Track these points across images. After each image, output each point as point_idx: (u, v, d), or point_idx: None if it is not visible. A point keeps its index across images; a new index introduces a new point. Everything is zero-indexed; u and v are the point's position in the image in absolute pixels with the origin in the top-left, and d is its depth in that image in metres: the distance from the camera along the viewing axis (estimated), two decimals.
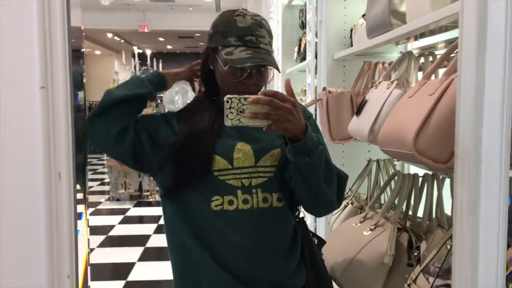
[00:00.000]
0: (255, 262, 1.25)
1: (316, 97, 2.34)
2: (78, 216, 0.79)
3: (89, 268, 0.84)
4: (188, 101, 1.40)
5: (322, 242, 1.46)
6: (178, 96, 1.40)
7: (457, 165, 0.96)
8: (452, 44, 1.21)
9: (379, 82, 1.65)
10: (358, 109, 1.69)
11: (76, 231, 0.75)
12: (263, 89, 1.30)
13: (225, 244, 1.25)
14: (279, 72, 1.29)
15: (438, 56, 1.34)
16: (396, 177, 1.64)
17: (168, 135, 1.30)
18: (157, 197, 6.71)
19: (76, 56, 0.87)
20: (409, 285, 1.21)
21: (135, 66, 8.92)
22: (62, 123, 0.68)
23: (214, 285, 1.25)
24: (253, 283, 1.25)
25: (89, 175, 8.81)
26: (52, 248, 0.68)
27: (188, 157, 1.25)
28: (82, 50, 1.15)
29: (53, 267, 0.70)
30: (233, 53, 1.21)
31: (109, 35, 12.88)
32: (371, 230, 1.49)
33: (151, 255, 4.53)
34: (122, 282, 3.84)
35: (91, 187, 7.94)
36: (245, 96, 1.06)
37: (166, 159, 1.26)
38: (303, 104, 1.65)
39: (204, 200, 1.25)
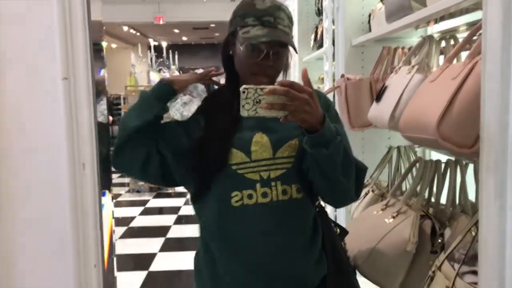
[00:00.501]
0: (276, 255, 1.25)
1: (334, 85, 2.32)
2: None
3: (114, 258, 0.84)
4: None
5: (344, 232, 1.44)
6: (186, 108, 1.37)
7: (483, 151, 0.93)
8: (475, 26, 1.18)
9: (399, 68, 1.63)
10: (378, 96, 1.67)
11: (102, 221, 0.76)
12: (282, 78, 1.28)
13: (246, 238, 1.25)
14: (296, 52, 1.27)
15: (460, 39, 1.31)
16: (417, 164, 1.62)
17: (190, 137, 1.30)
18: (176, 189, 6.76)
19: (97, 49, 0.88)
20: (433, 272, 1.20)
21: (151, 59, 8.96)
22: (85, 114, 0.69)
23: (234, 279, 1.26)
24: (273, 277, 1.26)
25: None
26: (78, 238, 0.69)
27: (206, 153, 1.25)
28: (103, 43, 1.15)
29: (79, 256, 0.71)
30: (249, 31, 1.20)
31: (125, 28, 12.94)
32: (393, 217, 1.48)
33: (171, 245, 4.57)
34: (144, 273, 3.88)
35: (111, 179, 8.05)
36: (262, 86, 1.05)
37: (190, 163, 1.27)
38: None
39: (225, 197, 1.25)
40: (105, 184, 0.82)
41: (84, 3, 0.71)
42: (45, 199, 0.72)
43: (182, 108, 1.34)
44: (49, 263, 0.73)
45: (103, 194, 0.88)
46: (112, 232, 0.86)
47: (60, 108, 0.70)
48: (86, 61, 0.68)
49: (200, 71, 1.39)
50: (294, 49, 1.24)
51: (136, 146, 1.26)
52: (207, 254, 1.31)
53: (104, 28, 1.03)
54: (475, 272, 1.07)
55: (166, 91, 1.31)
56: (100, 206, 0.75)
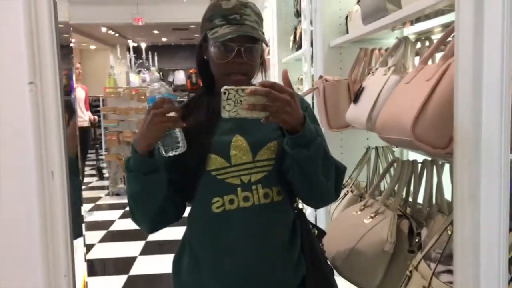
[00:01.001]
0: (256, 258, 1.25)
1: (313, 86, 2.32)
2: None
3: (85, 264, 0.83)
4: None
5: (322, 233, 1.45)
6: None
7: (457, 150, 0.95)
8: (448, 28, 1.20)
9: (376, 69, 1.64)
10: (356, 97, 1.68)
11: (71, 230, 0.74)
12: (262, 79, 1.28)
13: (229, 243, 1.24)
14: (267, 46, 1.27)
15: (435, 41, 1.32)
16: (395, 164, 1.63)
17: None
18: None
19: (66, 52, 0.85)
20: (410, 272, 1.21)
21: (130, 60, 8.89)
22: (53, 120, 0.67)
23: (217, 283, 1.26)
24: (255, 279, 1.25)
25: (88, 170, 8.78)
26: (47, 248, 0.68)
27: (185, 159, 1.24)
28: (71, 45, 1.11)
29: (49, 266, 0.69)
30: (217, 32, 1.20)
31: (103, 29, 12.79)
32: (372, 218, 1.49)
33: (152, 249, 4.52)
34: (124, 277, 3.84)
35: (90, 182, 7.93)
36: (243, 87, 1.05)
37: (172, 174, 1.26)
38: (299, 93, 1.63)
39: (206, 203, 1.25)
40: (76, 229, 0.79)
41: (51, 5, 0.69)
42: (13, 208, 0.70)
43: None
44: (19, 274, 0.71)
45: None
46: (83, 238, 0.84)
47: (27, 113, 0.67)
48: (53, 65, 0.67)
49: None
50: (265, 42, 1.23)
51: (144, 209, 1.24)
52: (191, 259, 1.31)
53: (71, 29, 1.00)
54: (451, 271, 1.08)
55: (144, 162, 1.15)
56: (70, 215, 0.74)
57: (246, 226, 1.24)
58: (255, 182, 1.24)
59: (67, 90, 0.94)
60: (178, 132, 1.14)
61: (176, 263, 1.37)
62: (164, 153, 1.13)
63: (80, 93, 6.29)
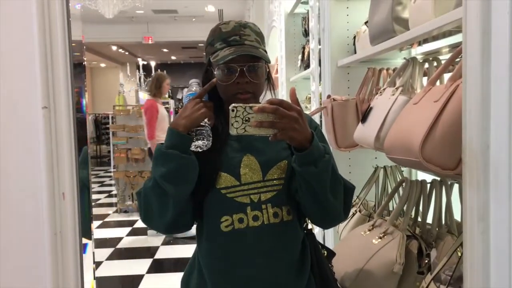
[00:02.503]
0: (267, 279, 1.24)
1: (321, 105, 2.33)
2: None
3: (95, 282, 0.83)
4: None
5: (331, 254, 1.44)
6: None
7: (465, 171, 0.94)
8: (456, 49, 1.20)
9: (384, 89, 1.65)
10: (364, 116, 1.68)
11: (82, 251, 0.74)
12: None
13: (237, 262, 1.24)
14: (269, 62, 1.28)
15: (443, 61, 1.33)
16: (403, 184, 1.63)
17: None
18: None
19: (78, 71, 0.87)
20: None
21: (139, 78, 8.97)
22: (65, 143, 0.67)
23: None
24: None
25: (96, 187, 8.81)
26: (57, 268, 0.68)
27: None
28: (84, 63, 1.13)
29: (59, 286, 0.69)
30: (218, 54, 1.22)
31: (114, 47, 12.97)
32: (380, 238, 1.48)
33: (159, 267, 4.51)
34: None
35: (98, 199, 7.95)
36: (251, 104, 1.06)
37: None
38: (307, 112, 1.64)
39: (214, 222, 1.25)
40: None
41: (65, 25, 0.70)
42: (25, 229, 0.70)
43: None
44: None
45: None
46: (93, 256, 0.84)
47: (39, 136, 0.68)
48: (67, 88, 0.67)
49: (195, 87, 1.32)
50: (266, 59, 1.25)
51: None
52: (199, 279, 1.30)
53: (84, 47, 1.02)
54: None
55: (180, 139, 1.19)
56: (81, 235, 0.74)
57: (255, 245, 1.23)
58: (265, 201, 1.24)
59: (78, 108, 0.95)
60: (208, 127, 1.22)
61: (184, 284, 1.37)
62: (194, 142, 1.20)
63: None
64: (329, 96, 2.16)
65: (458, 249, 1.18)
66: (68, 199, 0.70)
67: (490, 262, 0.89)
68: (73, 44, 0.79)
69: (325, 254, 1.41)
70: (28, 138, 0.68)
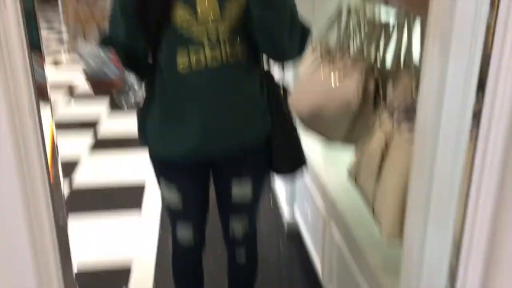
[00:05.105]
0: (226, 115, 1.30)
1: None
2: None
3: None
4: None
5: (288, 92, 1.50)
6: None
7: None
8: None
9: None
10: None
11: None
12: None
13: (196, 102, 1.27)
14: None
15: None
16: (366, 26, 1.63)
17: None
18: None
19: None
20: (374, 124, 1.28)
21: None
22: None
23: (185, 138, 1.32)
24: (224, 134, 1.32)
25: (46, 34, 8.28)
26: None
27: (149, 10, 1.22)
28: None
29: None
30: None
31: None
32: (340, 77, 1.52)
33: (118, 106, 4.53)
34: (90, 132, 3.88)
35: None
36: None
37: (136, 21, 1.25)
38: None
39: (171, 63, 1.24)
40: None
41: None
42: None
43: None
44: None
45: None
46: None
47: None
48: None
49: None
50: None
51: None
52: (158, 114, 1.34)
53: None
54: (411, 119, 1.14)
55: None
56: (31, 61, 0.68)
57: (212, 85, 1.26)
58: (222, 41, 1.23)
59: None
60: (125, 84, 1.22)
61: (140, 116, 1.42)
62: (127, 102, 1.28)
63: None
64: None
65: (413, 84, 1.24)
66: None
67: (446, 86, 0.91)
68: None
69: (283, 94, 1.46)
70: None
